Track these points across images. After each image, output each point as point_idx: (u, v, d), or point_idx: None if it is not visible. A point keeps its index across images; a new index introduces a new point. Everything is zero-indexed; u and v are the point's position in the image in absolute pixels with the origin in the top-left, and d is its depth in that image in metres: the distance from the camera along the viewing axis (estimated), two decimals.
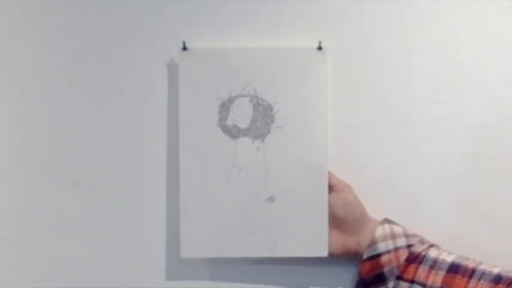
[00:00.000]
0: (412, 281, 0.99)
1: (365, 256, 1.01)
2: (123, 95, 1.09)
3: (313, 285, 1.09)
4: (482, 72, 1.06)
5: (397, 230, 1.02)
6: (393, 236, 1.01)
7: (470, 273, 0.95)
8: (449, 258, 0.98)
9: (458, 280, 0.95)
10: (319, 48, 1.06)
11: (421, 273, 0.98)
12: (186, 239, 1.07)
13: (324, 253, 1.07)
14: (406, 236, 1.01)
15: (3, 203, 1.11)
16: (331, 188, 1.05)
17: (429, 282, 0.97)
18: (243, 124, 1.07)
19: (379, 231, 1.01)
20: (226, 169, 1.06)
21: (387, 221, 1.04)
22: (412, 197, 1.08)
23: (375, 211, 1.06)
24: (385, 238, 1.01)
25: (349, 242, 1.04)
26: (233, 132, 1.07)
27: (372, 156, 1.08)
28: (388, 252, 1.00)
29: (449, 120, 1.07)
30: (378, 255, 1.00)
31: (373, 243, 1.01)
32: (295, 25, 1.07)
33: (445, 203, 1.08)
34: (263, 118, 1.06)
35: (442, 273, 0.97)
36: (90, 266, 1.11)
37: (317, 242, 1.07)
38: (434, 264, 0.98)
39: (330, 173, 1.06)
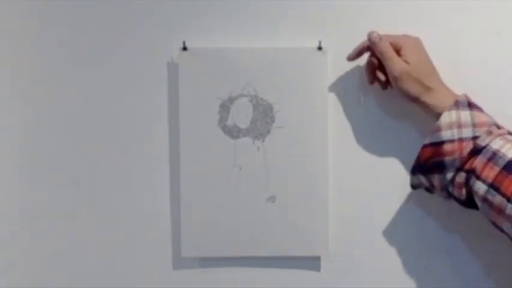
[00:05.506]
0: (469, 171, 0.93)
1: (427, 141, 0.97)
2: (123, 95, 1.09)
3: (313, 285, 1.09)
4: (483, 72, 1.07)
5: (465, 118, 0.95)
6: (459, 125, 0.94)
7: None
8: (511, 154, 0.91)
9: (509, 181, 0.89)
10: (319, 48, 1.06)
11: (478, 163, 0.92)
12: (186, 238, 1.07)
13: (324, 253, 1.07)
14: (474, 125, 0.94)
15: (3, 203, 1.11)
16: (399, 38, 1.00)
17: (483, 175, 0.92)
18: (243, 124, 1.07)
19: (445, 118, 0.95)
20: (226, 169, 1.06)
21: (458, 105, 0.96)
22: None
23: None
24: (450, 126, 0.94)
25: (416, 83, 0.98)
26: (233, 132, 1.07)
27: (372, 156, 1.09)
28: (451, 141, 0.94)
29: None
30: (441, 143, 0.95)
31: (437, 129, 0.95)
32: (295, 25, 1.07)
33: None
34: (263, 118, 1.06)
35: (497, 169, 0.91)
36: (90, 266, 1.11)
37: (317, 242, 1.07)
38: (493, 157, 0.92)
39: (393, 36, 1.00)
